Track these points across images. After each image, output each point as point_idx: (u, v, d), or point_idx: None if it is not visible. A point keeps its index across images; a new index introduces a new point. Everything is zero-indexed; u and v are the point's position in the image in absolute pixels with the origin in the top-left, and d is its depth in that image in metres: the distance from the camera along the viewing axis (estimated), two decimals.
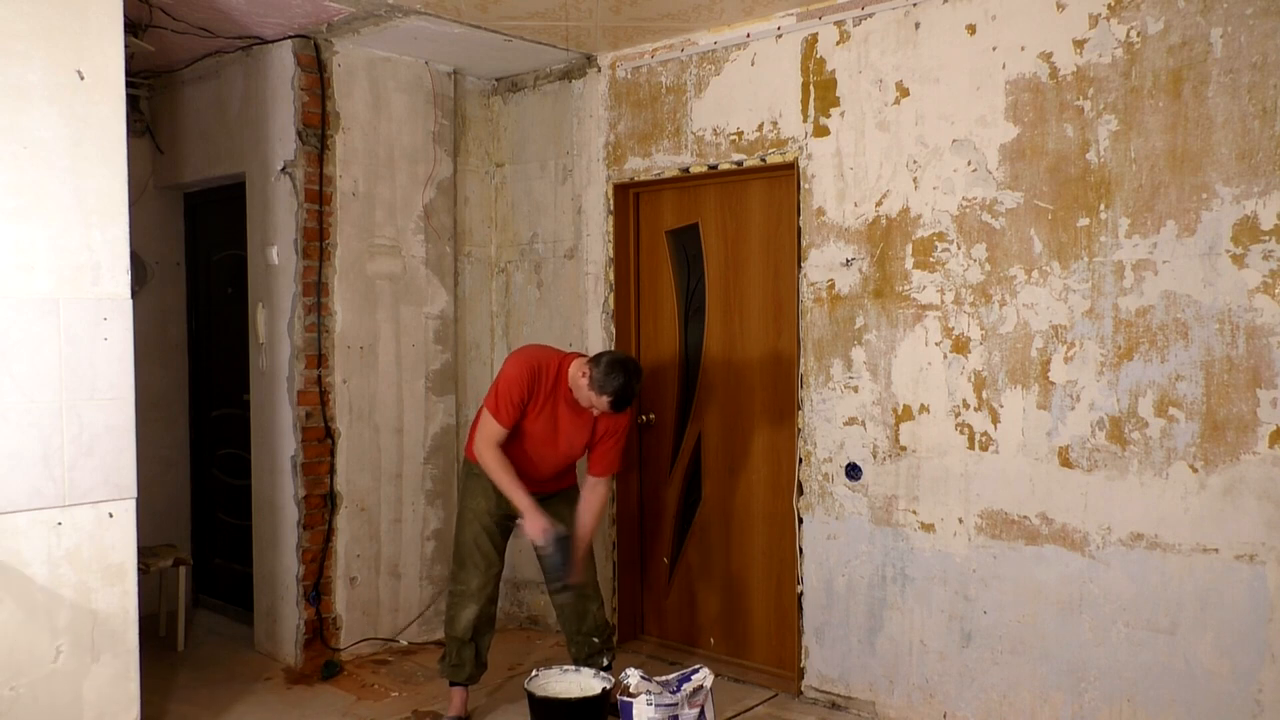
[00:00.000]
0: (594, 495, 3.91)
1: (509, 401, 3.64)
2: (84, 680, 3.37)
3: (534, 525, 3.66)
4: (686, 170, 4.50)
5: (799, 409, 4.17)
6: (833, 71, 4.01)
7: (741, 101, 4.29)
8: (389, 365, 4.77)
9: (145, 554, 4.70)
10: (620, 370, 3.55)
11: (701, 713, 3.58)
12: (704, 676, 3.63)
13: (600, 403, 3.57)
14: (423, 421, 4.91)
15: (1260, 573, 3.12)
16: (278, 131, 4.51)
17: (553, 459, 3.81)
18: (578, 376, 3.63)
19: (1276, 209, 3.07)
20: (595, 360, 3.60)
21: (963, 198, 3.70)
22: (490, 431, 3.67)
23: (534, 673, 3.78)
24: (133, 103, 4.92)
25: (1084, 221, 3.44)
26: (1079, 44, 3.42)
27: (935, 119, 3.75)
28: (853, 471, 4.01)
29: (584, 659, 3.93)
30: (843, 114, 4.00)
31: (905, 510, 3.88)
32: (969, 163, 3.68)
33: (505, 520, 3.89)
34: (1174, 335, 3.27)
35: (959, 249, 3.72)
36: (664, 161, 4.58)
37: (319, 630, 4.54)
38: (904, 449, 3.88)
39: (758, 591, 4.51)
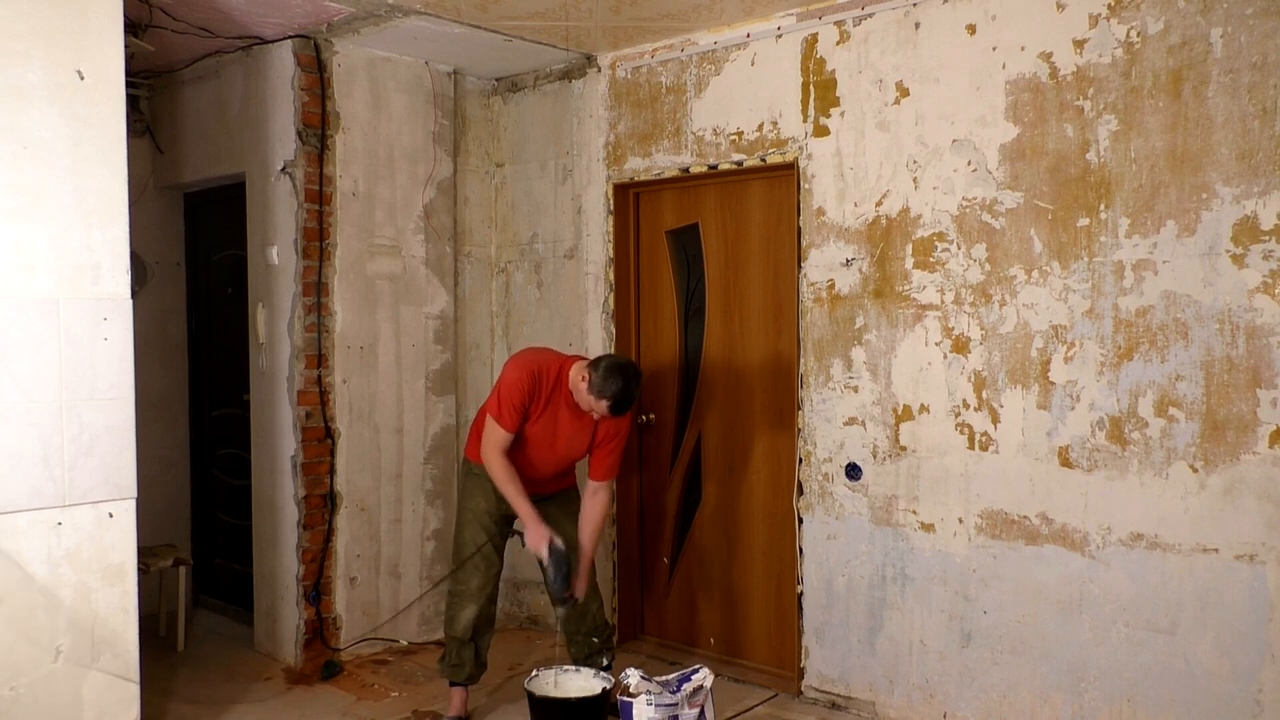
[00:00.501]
0: (595, 503, 3.87)
1: (511, 406, 3.63)
2: (84, 680, 3.37)
3: (536, 536, 3.65)
4: (686, 170, 4.50)
5: (799, 409, 4.17)
6: (833, 71, 4.01)
7: (741, 101, 4.29)
8: (389, 365, 4.77)
9: (145, 554, 4.70)
10: (619, 374, 3.53)
11: (701, 713, 3.57)
12: (704, 676, 3.63)
13: (600, 407, 3.56)
14: (423, 421, 4.91)
15: (1260, 573, 3.12)
16: (278, 131, 4.51)
17: (552, 461, 3.80)
18: (577, 380, 3.62)
19: (1276, 209, 3.07)
20: (594, 364, 3.59)
21: (963, 198, 3.71)
22: (496, 438, 3.66)
23: (534, 673, 3.77)
24: (133, 103, 4.92)
25: (1084, 221, 3.44)
26: (1079, 44, 3.43)
27: (935, 119, 3.75)
28: (853, 471, 4.01)
29: (584, 659, 3.93)
30: (843, 114, 4.00)
31: (905, 510, 3.88)
32: (969, 163, 3.68)
33: (504, 520, 3.89)
34: (1174, 335, 3.27)
35: (959, 249, 3.72)
36: (664, 161, 4.58)
37: (319, 630, 4.54)
38: (904, 449, 3.88)
39: (758, 591, 4.51)
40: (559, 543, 3.66)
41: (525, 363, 3.70)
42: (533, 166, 5.12)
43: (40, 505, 3.27)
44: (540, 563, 3.71)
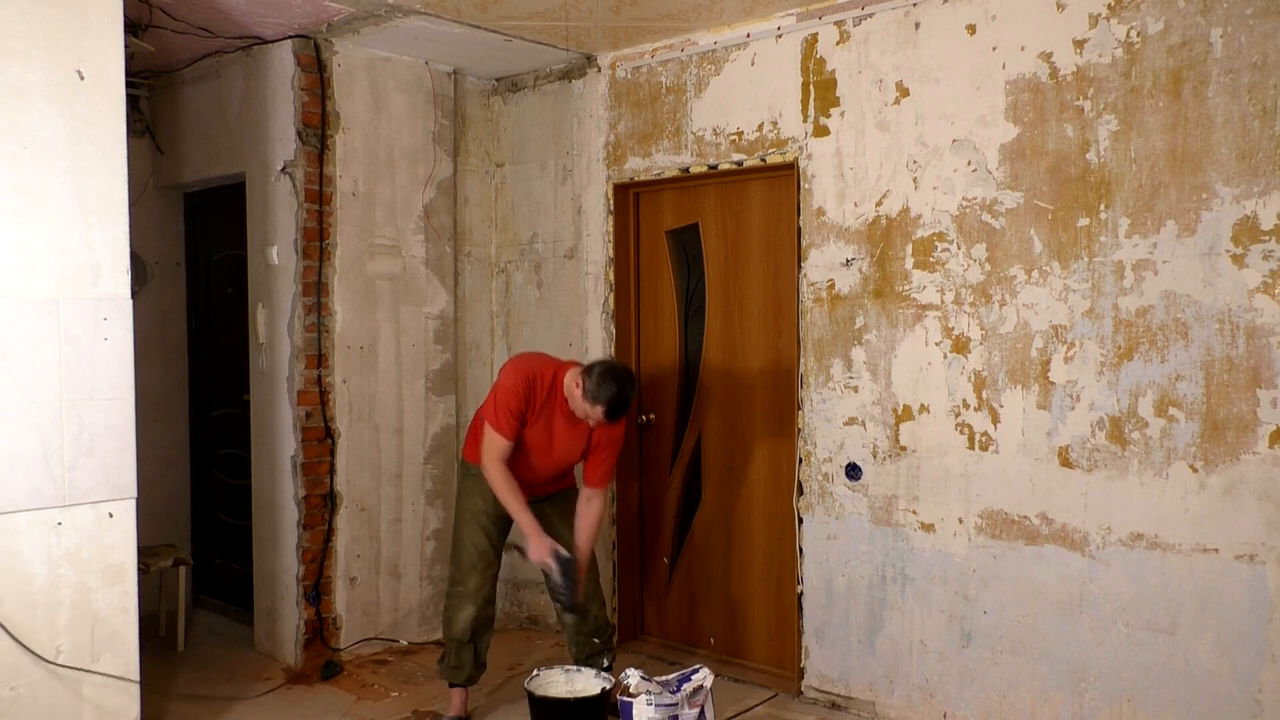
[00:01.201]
0: (590, 509, 3.86)
1: (508, 412, 3.62)
2: (84, 680, 3.37)
3: (539, 548, 3.65)
4: (686, 170, 4.50)
5: (799, 409, 4.17)
6: (833, 71, 4.01)
7: (741, 101, 4.29)
8: (389, 365, 4.77)
9: (145, 554, 4.70)
10: (613, 379, 3.52)
11: (701, 713, 3.57)
12: (704, 676, 3.63)
13: (595, 413, 3.55)
14: (423, 421, 4.91)
15: (1260, 573, 3.12)
16: (278, 131, 4.51)
17: (549, 466, 3.80)
18: (572, 387, 3.61)
19: (1276, 209, 3.07)
20: (588, 371, 3.58)
21: (963, 198, 3.70)
22: (495, 447, 3.64)
23: (534, 672, 3.78)
24: (133, 103, 4.92)
25: (1084, 221, 3.44)
26: (1079, 44, 3.43)
27: (935, 119, 3.75)
28: (853, 471, 4.01)
29: (584, 659, 3.93)
30: (843, 114, 4.00)
31: (905, 510, 3.88)
32: (969, 163, 3.68)
33: (502, 521, 3.88)
34: (1174, 335, 3.27)
35: (959, 249, 3.72)
36: (664, 161, 4.58)
37: (319, 630, 4.54)
38: (904, 449, 3.88)
39: (758, 591, 4.51)
40: (564, 551, 3.66)
41: (519, 368, 3.69)
42: (533, 166, 5.12)
43: (40, 505, 3.27)
44: (545, 573, 3.71)
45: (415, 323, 4.87)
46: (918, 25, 3.78)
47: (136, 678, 3.50)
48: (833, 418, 4.06)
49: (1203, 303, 3.21)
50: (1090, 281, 3.43)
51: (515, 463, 3.73)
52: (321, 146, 4.50)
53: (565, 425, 3.72)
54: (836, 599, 4.08)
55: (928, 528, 3.82)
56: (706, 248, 4.64)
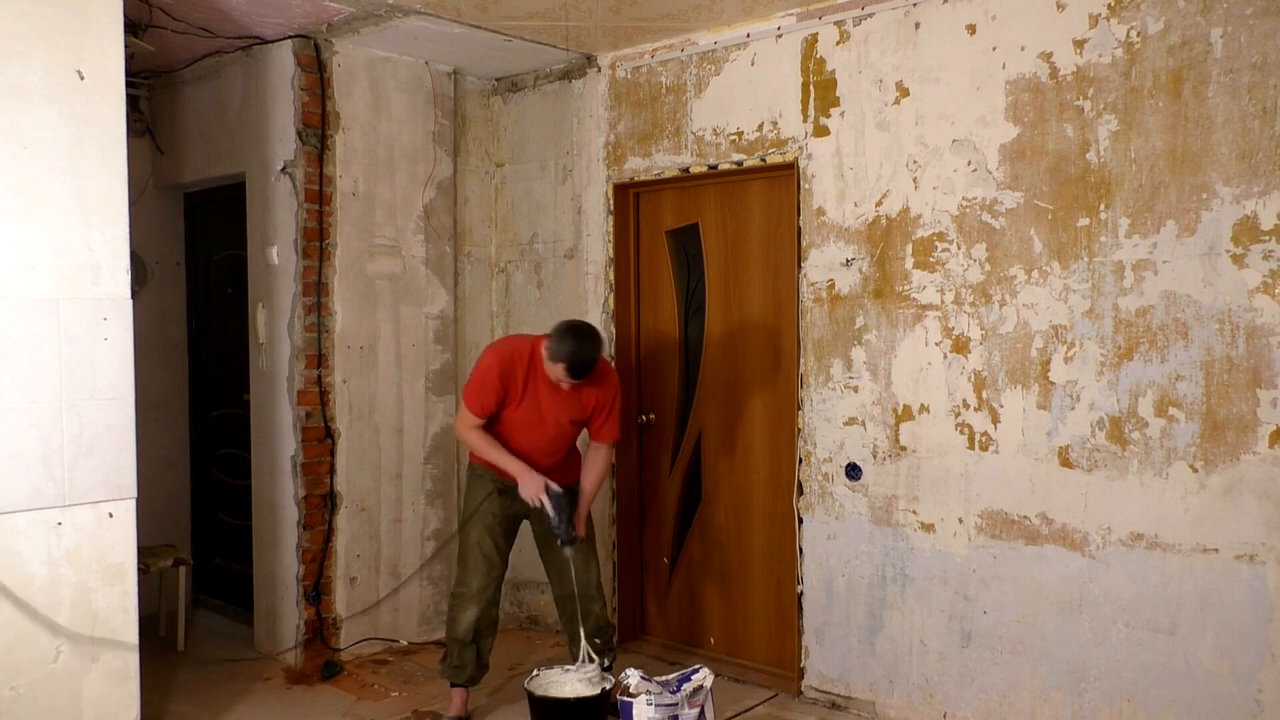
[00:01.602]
0: (594, 459, 3.92)
1: (480, 388, 3.68)
2: (84, 680, 3.37)
3: (530, 485, 3.67)
4: (686, 170, 4.50)
5: (799, 409, 4.17)
6: (833, 71, 4.01)
7: (741, 101, 4.29)
8: (389, 365, 4.77)
9: (145, 554, 4.70)
10: (571, 335, 3.56)
11: (701, 713, 3.58)
12: (704, 676, 3.63)
13: (558, 371, 3.59)
14: (423, 421, 4.91)
15: (1260, 573, 3.12)
16: (278, 131, 4.51)
17: (546, 441, 3.80)
18: (543, 354, 3.66)
19: (1276, 209, 3.07)
20: (551, 333, 3.62)
21: (963, 198, 3.70)
22: (465, 419, 3.73)
23: (534, 672, 3.78)
24: (133, 103, 4.92)
25: (1084, 221, 3.44)
26: (1079, 44, 3.43)
27: (935, 119, 3.75)
28: (853, 471, 4.01)
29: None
30: (843, 114, 4.00)
31: (905, 510, 3.88)
32: (969, 163, 3.68)
33: (509, 522, 3.89)
34: (1174, 335, 3.27)
35: (959, 249, 3.72)
36: (664, 161, 4.58)
37: (319, 630, 4.54)
38: (904, 449, 3.88)
39: (758, 591, 4.51)
40: (555, 487, 3.67)
41: (495, 349, 3.77)
42: (533, 166, 5.12)
43: (40, 505, 3.27)
44: (543, 508, 3.71)
45: (415, 323, 4.87)
46: (918, 25, 3.78)
47: (136, 678, 3.50)
48: (833, 418, 4.06)
49: (1203, 303, 3.21)
50: (1090, 281, 3.43)
51: (515, 449, 3.76)
52: (321, 146, 4.50)
53: (551, 395, 3.74)
54: (836, 599, 4.08)
55: (928, 528, 3.82)
56: (706, 248, 4.64)
